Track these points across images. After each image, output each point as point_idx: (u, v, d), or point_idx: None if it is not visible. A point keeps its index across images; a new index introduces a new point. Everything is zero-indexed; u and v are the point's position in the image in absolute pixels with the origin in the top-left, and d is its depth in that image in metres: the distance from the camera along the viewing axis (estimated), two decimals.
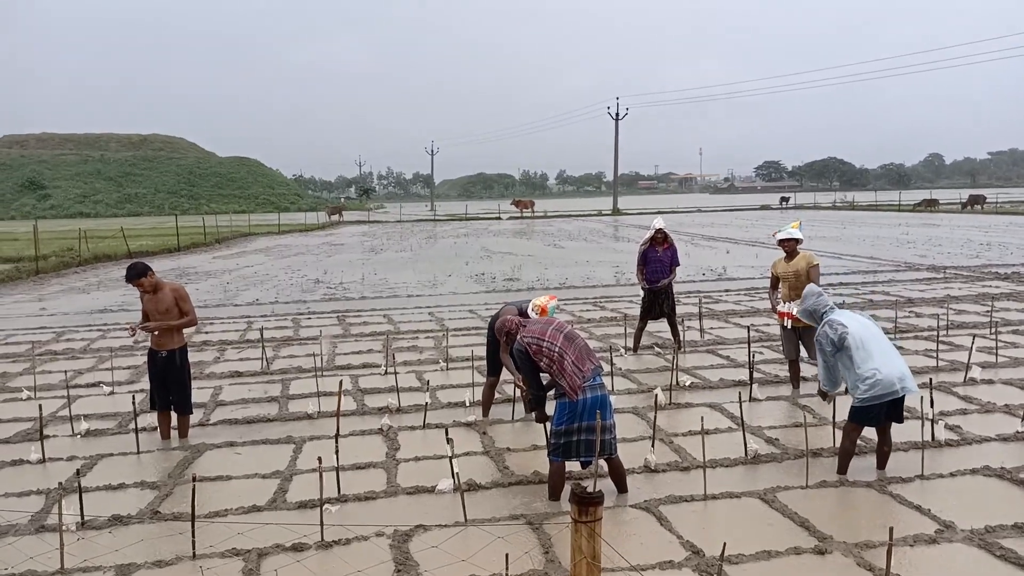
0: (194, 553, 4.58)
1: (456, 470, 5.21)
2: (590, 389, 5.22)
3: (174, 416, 7.02)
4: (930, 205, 56.14)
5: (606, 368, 8.26)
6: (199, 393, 8.57)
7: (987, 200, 56.46)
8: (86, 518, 5.08)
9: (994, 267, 18.92)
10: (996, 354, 9.21)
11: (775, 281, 8.14)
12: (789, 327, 7.81)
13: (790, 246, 7.91)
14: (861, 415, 5.56)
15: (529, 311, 6.53)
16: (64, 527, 4.62)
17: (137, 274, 6.69)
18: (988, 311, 12.15)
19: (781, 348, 8.73)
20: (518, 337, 5.48)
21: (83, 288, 19.66)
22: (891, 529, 3.62)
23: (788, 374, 8.38)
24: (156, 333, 6.79)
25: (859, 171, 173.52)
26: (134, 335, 6.83)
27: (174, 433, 7.03)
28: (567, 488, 5.37)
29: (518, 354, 5.41)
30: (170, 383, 6.86)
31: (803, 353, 8.04)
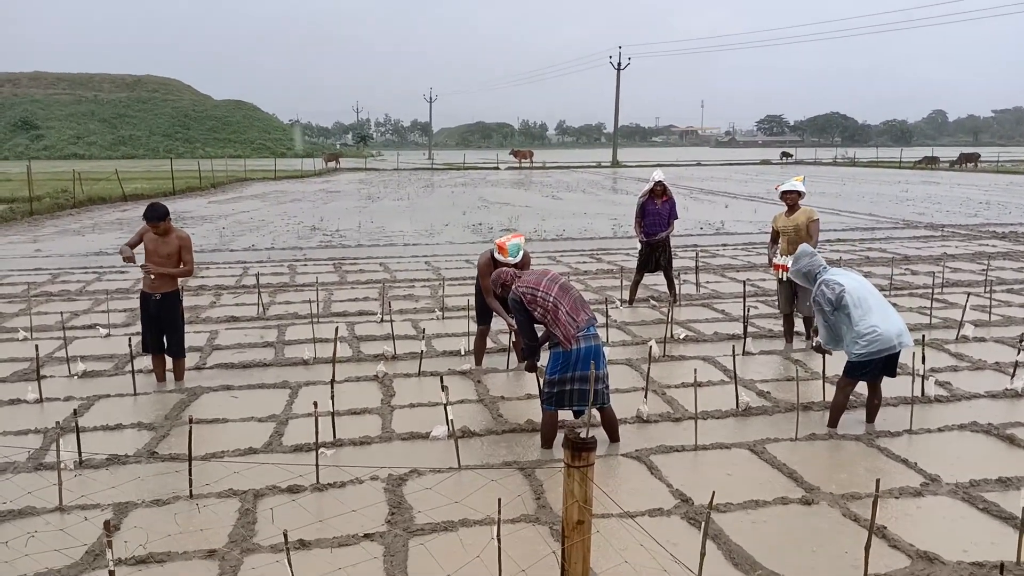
0: (191, 492, 4.65)
1: (450, 417, 5.26)
2: (584, 339, 5.24)
3: (168, 359, 7.05)
4: (931, 163, 55.86)
5: (601, 320, 8.29)
6: (195, 337, 8.61)
7: (981, 158, 56.16)
8: (84, 457, 5.14)
9: (992, 226, 18.91)
10: (990, 312, 9.26)
11: (775, 235, 8.13)
12: (784, 279, 7.82)
13: (792, 199, 7.88)
14: (857, 370, 5.61)
15: (495, 253, 6.63)
16: (62, 465, 4.67)
17: (160, 216, 6.72)
18: (984, 269, 12.18)
19: (776, 302, 8.76)
20: (512, 287, 5.48)
21: (78, 230, 19.56)
22: (877, 481, 3.68)
23: (782, 328, 8.42)
24: (152, 277, 6.78)
25: (861, 127, 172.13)
26: (147, 272, 6.80)
27: (170, 376, 7.07)
28: (559, 437, 5.44)
29: (513, 304, 5.42)
30: (164, 326, 6.87)
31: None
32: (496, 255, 6.72)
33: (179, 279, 7.04)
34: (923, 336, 6.78)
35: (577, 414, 5.52)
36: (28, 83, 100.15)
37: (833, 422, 5.78)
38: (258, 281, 10.56)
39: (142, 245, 6.88)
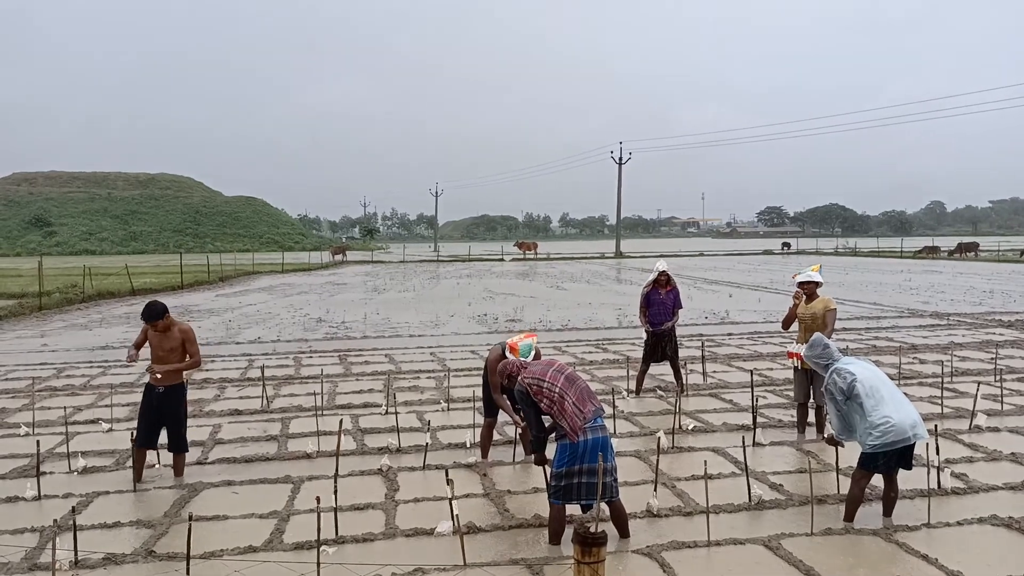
0: None
1: (456, 512, 5.14)
2: (591, 431, 5.17)
3: (150, 455, 6.95)
4: (932, 252, 56.37)
5: (608, 411, 8.20)
6: (198, 431, 8.53)
7: (981, 247, 56.69)
8: (80, 557, 5.01)
9: (997, 314, 18.89)
10: (1001, 402, 9.14)
11: (790, 318, 8.14)
12: (800, 368, 7.78)
13: (809, 288, 7.93)
14: (872, 462, 5.50)
15: (507, 352, 6.59)
16: (57, 566, 4.54)
17: (157, 314, 6.74)
18: (992, 358, 12.09)
19: (790, 392, 8.68)
20: (519, 378, 5.46)
21: (85, 324, 19.67)
22: None
23: (793, 418, 8.31)
24: (160, 376, 6.75)
25: (861, 217, 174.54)
26: (153, 373, 6.79)
27: (168, 471, 6.96)
28: (568, 532, 5.29)
29: (519, 395, 5.39)
30: (166, 419, 6.80)
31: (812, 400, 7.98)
32: (508, 355, 6.70)
33: (184, 372, 7.03)
34: (936, 426, 6.68)
35: (585, 508, 5.40)
36: (44, 182, 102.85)
37: (849, 516, 5.62)
38: (263, 373, 10.52)
39: (147, 343, 6.91)
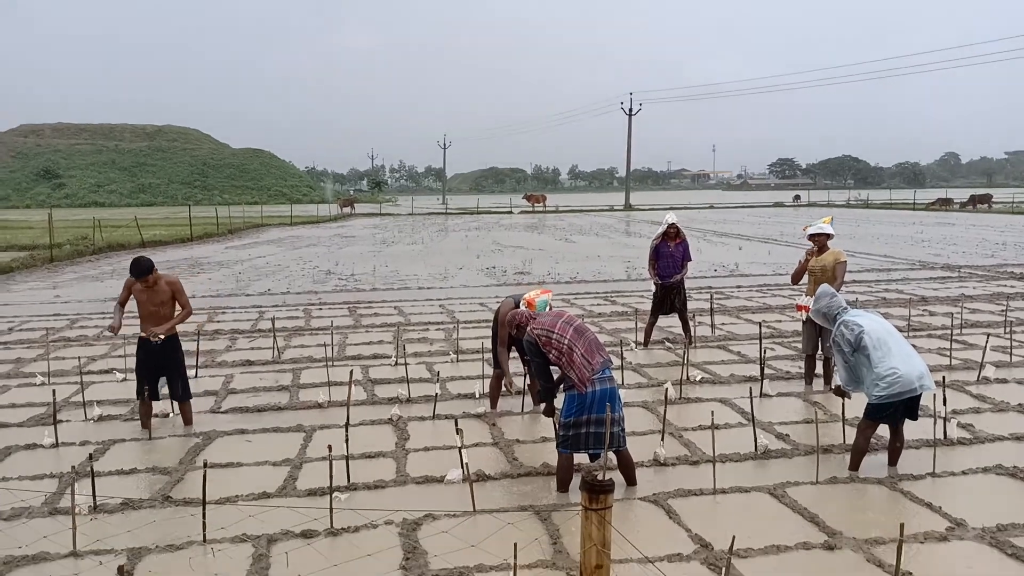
0: (204, 537, 4.62)
1: (465, 460, 5.22)
2: (599, 382, 5.21)
3: (155, 406, 7.00)
4: (945, 204, 55.75)
5: (616, 362, 8.24)
6: (210, 381, 8.64)
7: (994, 199, 55.95)
8: (98, 502, 5.13)
9: (1009, 266, 18.77)
10: (1011, 353, 9.14)
11: (800, 271, 8.11)
12: (808, 320, 7.77)
13: (821, 240, 7.88)
14: (878, 412, 5.53)
15: (521, 306, 6.56)
16: (77, 510, 4.66)
17: (146, 270, 6.63)
18: (1003, 310, 12.05)
19: (799, 344, 8.70)
20: (528, 329, 5.48)
21: (96, 276, 19.80)
22: (902, 526, 3.60)
23: (801, 370, 8.33)
24: (162, 338, 6.73)
25: (874, 169, 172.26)
26: (154, 335, 6.80)
27: (177, 420, 7.06)
28: (575, 480, 5.37)
29: (528, 346, 5.42)
30: (166, 369, 6.80)
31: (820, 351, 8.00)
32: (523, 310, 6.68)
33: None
34: (944, 377, 6.70)
35: (593, 458, 5.47)
36: (51, 134, 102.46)
37: (855, 465, 5.68)
38: (273, 325, 10.61)
39: (133, 299, 6.85)
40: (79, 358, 9.31)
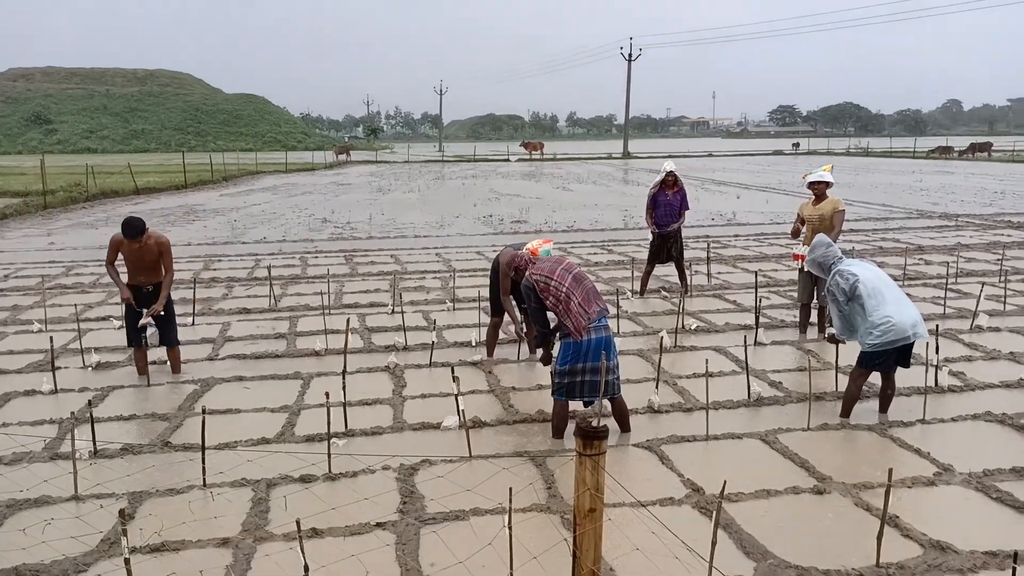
0: (204, 481, 4.69)
1: (462, 407, 5.27)
2: (595, 330, 5.23)
3: (151, 353, 7.03)
4: (945, 152, 55.34)
5: (612, 311, 8.27)
6: (207, 329, 8.67)
7: (994, 147, 55.48)
8: (98, 447, 5.19)
9: (1007, 216, 18.74)
10: (1004, 302, 9.18)
11: (800, 223, 8.09)
12: (805, 270, 7.78)
13: (820, 188, 7.83)
14: (871, 360, 5.58)
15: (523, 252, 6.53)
16: (77, 455, 4.72)
17: (139, 231, 6.58)
18: (999, 259, 12.07)
19: (795, 292, 8.72)
20: (527, 273, 5.46)
21: (91, 223, 19.69)
22: (890, 471, 3.67)
23: (795, 319, 8.37)
24: (162, 313, 6.79)
25: (875, 117, 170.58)
26: (151, 313, 6.79)
27: (166, 368, 7.10)
28: (570, 427, 5.44)
29: (525, 290, 5.42)
30: (158, 317, 6.82)
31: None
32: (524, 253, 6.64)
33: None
34: (937, 326, 6.73)
35: (587, 404, 5.52)
36: (41, 78, 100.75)
37: (846, 412, 5.75)
38: (270, 273, 10.60)
39: (120, 257, 6.83)
40: (76, 305, 9.32)
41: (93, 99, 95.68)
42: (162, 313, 6.80)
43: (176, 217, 20.92)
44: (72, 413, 5.07)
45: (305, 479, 4.76)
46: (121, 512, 3.11)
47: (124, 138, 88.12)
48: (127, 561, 3.17)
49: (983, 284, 9.20)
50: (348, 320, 6.83)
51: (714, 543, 3.28)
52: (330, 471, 4.82)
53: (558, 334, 5.41)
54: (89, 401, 5.96)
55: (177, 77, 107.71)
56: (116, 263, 6.93)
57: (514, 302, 6.95)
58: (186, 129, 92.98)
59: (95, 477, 4.79)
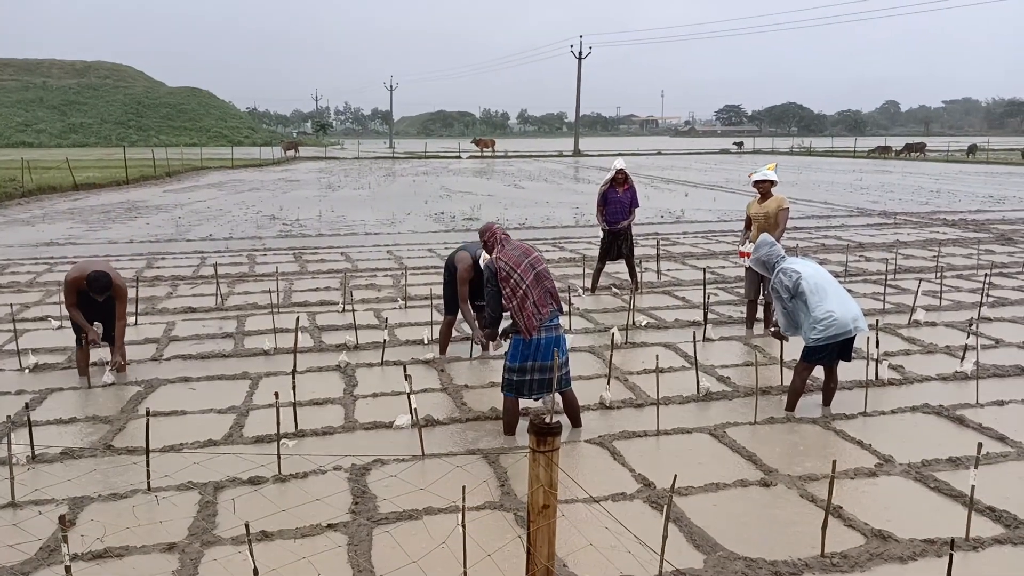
0: (149, 485, 4.57)
1: (414, 406, 5.24)
2: (546, 330, 5.24)
3: (93, 353, 6.88)
4: (884, 152, 57.07)
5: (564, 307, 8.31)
6: (151, 328, 8.46)
7: (927, 147, 57.48)
8: (37, 451, 5.02)
9: (942, 214, 19.41)
10: (940, 297, 9.51)
11: (749, 222, 8.25)
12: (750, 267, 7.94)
13: (764, 187, 8.00)
14: (814, 354, 5.72)
15: (481, 261, 6.50)
16: (14, 460, 4.55)
17: (107, 287, 6.44)
18: (935, 256, 12.50)
19: (742, 289, 8.89)
20: (494, 254, 5.39)
21: (27, 220, 19.00)
22: (834, 462, 3.77)
23: (742, 315, 8.54)
24: (118, 363, 6.71)
25: (817, 117, 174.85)
26: (116, 365, 6.69)
27: (105, 369, 6.90)
28: (522, 424, 5.45)
29: (486, 271, 5.37)
30: (106, 318, 6.68)
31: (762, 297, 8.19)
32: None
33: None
34: (877, 321, 6.95)
35: (536, 399, 5.52)
36: None
37: (791, 406, 5.89)
38: (216, 271, 10.38)
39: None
40: (12, 305, 8.99)
41: (28, 91, 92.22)
42: (125, 364, 6.79)
43: (117, 214, 20.33)
44: (8, 417, 4.89)
45: (254, 481, 4.67)
46: (61, 518, 3.02)
47: (62, 132, 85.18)
48: (68, 569, 3.08)
49: (920, 280, 9.52)
50: (298, 319, 6.74)
51: (665, 537, 3.33)
52: (280, 472, 4.75)
53: (510, 327, 5.38)
54: (26, 404, 5.75)
55: (117, 69, 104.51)
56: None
57: (473, 313, 6.90)
58: (127, 123, 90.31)
59: (33, 482, 4.63)
